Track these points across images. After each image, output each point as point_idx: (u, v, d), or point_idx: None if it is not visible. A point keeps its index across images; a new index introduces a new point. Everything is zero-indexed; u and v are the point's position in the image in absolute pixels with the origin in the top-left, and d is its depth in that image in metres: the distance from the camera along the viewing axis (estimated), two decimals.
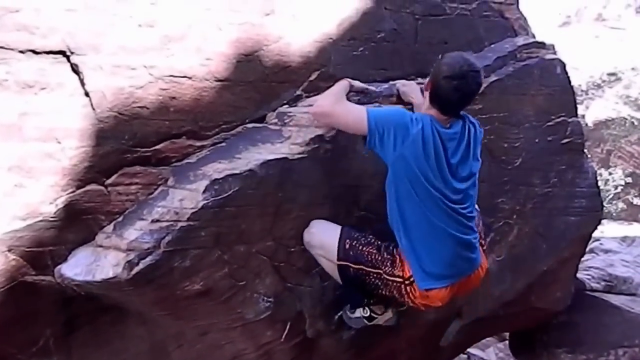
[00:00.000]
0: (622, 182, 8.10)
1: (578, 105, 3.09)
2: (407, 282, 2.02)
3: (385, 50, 2.39)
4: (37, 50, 1.73)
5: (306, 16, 2.18)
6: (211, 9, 1.98)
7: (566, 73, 2.88)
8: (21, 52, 1.71)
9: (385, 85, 2.30)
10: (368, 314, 2.24)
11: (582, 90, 8.73)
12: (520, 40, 2.77)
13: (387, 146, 1.91)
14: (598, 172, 7.57)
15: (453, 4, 2.58)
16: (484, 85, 2.54)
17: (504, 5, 2.77)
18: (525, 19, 2.87)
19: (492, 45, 2.64)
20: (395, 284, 2.04)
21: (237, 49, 2.03)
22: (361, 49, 2.26)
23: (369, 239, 2.08)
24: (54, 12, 1.74)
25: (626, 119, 8.36)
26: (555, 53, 2.87)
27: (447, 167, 1.95)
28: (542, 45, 2.83)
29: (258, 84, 2.10)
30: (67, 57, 1.77)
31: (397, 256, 2.02)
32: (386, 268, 2.03)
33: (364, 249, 2.05)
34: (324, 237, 2.09)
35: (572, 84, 3.01)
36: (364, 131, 1.94)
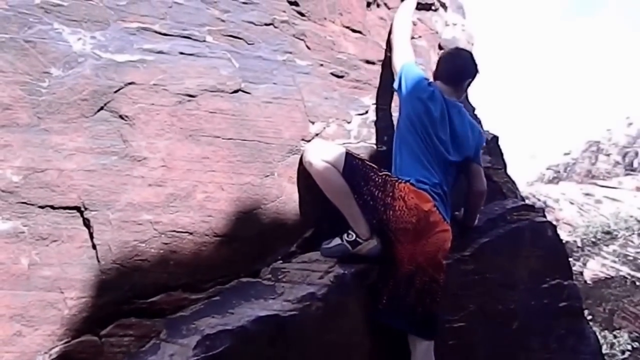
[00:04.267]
0: (629, 347, 8.49)
1: (575, 262, 3.63)
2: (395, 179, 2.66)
3: None
4: (55, 206, 2.23)
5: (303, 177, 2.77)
6: (216, 171, 2.54)
7: (558, 236, 3.46)
8: (40, 207, 2.21)
9: None
10: (353, 238, 2.60)
11: (578, 247, 9.58)
12: (510, 203, 3.39)
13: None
14: (602, 334, 8.03)
15: None
16: (475, 246, 3.09)
17: (491, 170, 3.43)
18: (513, 182, 3.52)
19: (482, 208, 3.22)
20: (384, 176, 2.63)
21: (237, 207, 2.57)
22: None
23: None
24: (75, 172, 2.27)
25: (627, 278, 9.07)
26: (544, 216, 3.47)
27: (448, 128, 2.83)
28: (531, 208, 3.44)
29: (254, 239, 2.61)
30: (81, 213, 2.27)
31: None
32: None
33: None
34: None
35: (567, 241, 3.57)
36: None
